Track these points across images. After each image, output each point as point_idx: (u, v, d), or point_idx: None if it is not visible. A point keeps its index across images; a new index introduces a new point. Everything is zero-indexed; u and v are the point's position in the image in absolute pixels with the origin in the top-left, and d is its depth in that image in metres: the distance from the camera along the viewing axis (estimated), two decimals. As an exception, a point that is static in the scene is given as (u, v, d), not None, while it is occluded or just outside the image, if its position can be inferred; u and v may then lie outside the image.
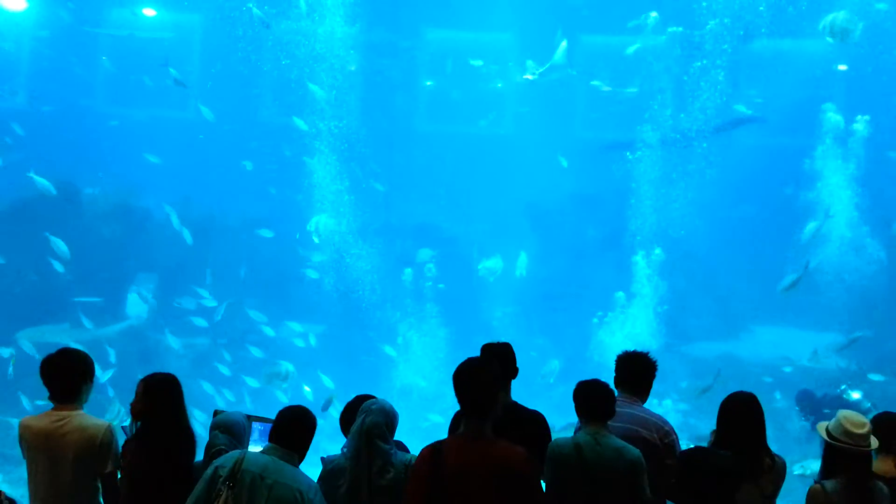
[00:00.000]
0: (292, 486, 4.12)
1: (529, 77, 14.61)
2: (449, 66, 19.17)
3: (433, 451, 4.13)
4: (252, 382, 15.22)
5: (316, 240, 12.44)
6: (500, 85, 19.87)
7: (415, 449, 4.96)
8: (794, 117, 18.35)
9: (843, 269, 16.82)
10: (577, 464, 4.55)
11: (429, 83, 19.02)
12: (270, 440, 4.34)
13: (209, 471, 4.20)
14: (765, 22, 17.32)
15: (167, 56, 14.25)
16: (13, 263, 15.56)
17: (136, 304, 17.63)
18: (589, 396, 4.73)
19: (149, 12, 22.12)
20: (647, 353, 5.28)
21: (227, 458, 4.23)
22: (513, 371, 4.94)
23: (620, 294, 16.76)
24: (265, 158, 19.23)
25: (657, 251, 17.68)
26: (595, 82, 18.35)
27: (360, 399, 4.88)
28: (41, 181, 14.35)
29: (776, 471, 4.63)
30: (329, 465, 4.59)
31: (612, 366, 5.32)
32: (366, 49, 18.49)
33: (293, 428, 4.32)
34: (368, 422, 4.46)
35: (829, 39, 12.29)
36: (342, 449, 4.62)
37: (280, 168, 19.39)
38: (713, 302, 17.80)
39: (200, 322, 16.12)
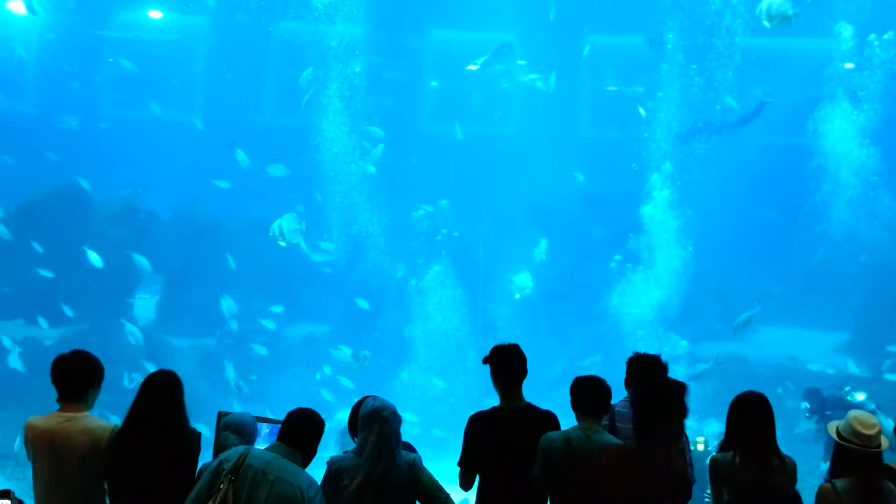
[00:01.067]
0: (293, 483, 4.15)
1: (473, 67, 14.51)
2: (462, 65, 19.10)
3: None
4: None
5: (282, 243, 12.51)
6: (505, 85, 19.86)
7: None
8: (799, 116, 18.30)
9: (850, 269, 16.82)
10: (565, 457, 4.60)
11: (434, 83, 19.03)
12: (278, 439, 4.38)
13: (213, 463, 4.24)
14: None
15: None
16: (22, 264, 15.63)
17: (144, 305, 17.73)
18: (584, 392, 4.82)
19: (155, 14, 22.20)
20: (659, 356, 5.33)
21: (232, 453, 4.26)
22: (523, 372, 4.98)
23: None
24: (271, 160, 19.26)
25: (664, 250, 17.68)
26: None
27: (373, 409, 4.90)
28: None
29: (786, 471, 4.58)
30: (334, 465, 4.61)
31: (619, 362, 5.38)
32: (371, 50, 18.52)
33: (300, 428, 4.37)
34: (387, 430, 4.50)
35: (766, 24, 11.56)
36: (351, 451, 4.63)
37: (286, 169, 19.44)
38: (719, 301, 17.74)
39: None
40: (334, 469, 4.57)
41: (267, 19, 20.46)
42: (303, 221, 12.56)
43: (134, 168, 18.69)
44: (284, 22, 20.72)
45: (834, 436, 4.46)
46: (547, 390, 7.62)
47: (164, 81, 21.13)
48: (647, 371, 5.23)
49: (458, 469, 5.00)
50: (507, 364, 4.97)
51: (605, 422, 5.12)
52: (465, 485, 4.99)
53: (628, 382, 5.34)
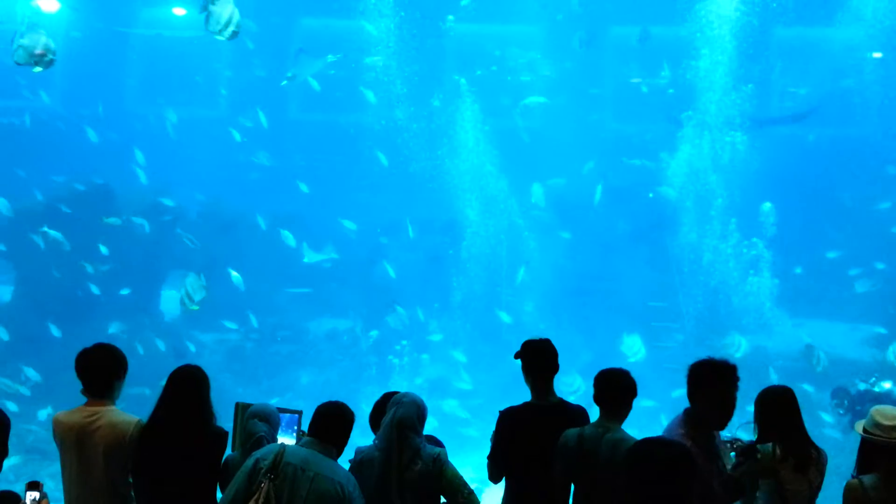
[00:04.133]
0: (333, 479, 4.17)
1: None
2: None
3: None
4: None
5: (194, 308, 12.71)
6: (527, 78, 19.76)
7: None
8: (827, 107, 18.07)
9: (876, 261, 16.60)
10: (578, 455, 4.61)
11: (456, 77, 18.95)
12: (309, 434, 4.39)
13: (249, 462, 4.24)
14: (795, 9, 17.07)
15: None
16: (49, 263, 15.84)
17: (169, 301, 17.89)
18: (606, 385, 4.76)
19: (179, 11, 22.33)
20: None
21: (268, 451, 4.27)
22: (554, 367, 4.97)
23: None
24: (294, 156, 19.35)
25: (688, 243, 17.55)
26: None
27: (389, 396, 4.92)
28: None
29: (821, 462, 4.68)
30: (359, 455, 4.64)
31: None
32: (392, 44, 18.50)
33: (332, 422, 4.38)
34: (400, 413, 4.53)
35: None
36: (374, 441, 4.64)
37: (309, 165, 19.52)
38: (741, 294, 17.55)
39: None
40: (359, 460, 4.60)
41: (290, 15, 20.54)
42: (202, 278, 12.44)
43: (159, 165, 18.84)
44: (308, 17, 20.79)
45: (860, 431, 4.47)
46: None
47: (188, 78, 21.27)
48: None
49: (488, 462, 5.01)
50: (538, 359, 4.96)
51: None
52: (495, 478, 5.00)
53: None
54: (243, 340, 17.08)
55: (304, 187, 17.70)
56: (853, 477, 4.42)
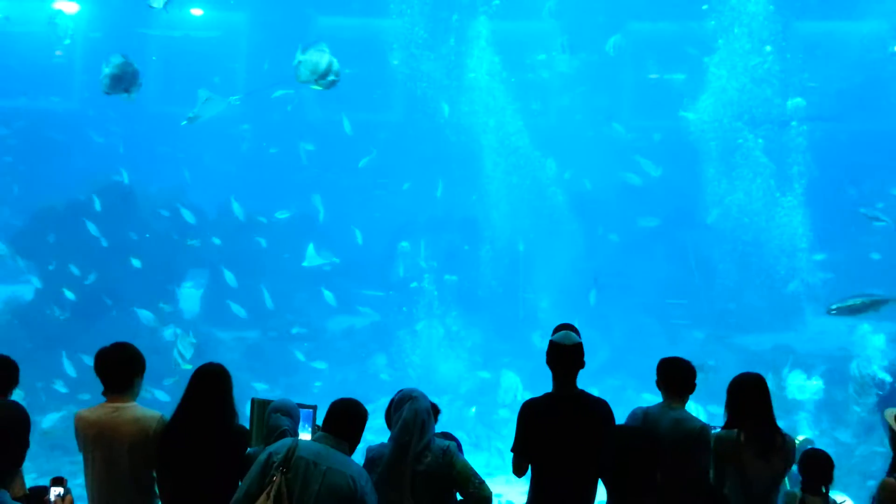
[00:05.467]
0: (345, 473, 4.18)
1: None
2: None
3: None
4: None
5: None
6: (545, 75, 19.70)
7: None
8: (847, 103, 17.88)
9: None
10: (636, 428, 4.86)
11: (472, 75, 18.93)
12: (323, 429, 4.40)
13: (262, 456, 4.27)
14: (815, 2, 16.92)
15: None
16: (70, 261, 15.99)
17: (189, 299, 18.03)
18: (667, 371, 5.09)
19: (196, 12, 22.48)
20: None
21: (281, 445, 4.29)
22: (580, 360, 4.99)
23: None
24: (310, 156, 19.41)
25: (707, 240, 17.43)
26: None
27: (405, 393, 4.94)
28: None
29: (786, 449, 4.86)
30: (371, 453, 4.66)
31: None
32: (408, 42, 18.52)
33: (345, 417, 4.39)
34: (417, 407, 4.57)
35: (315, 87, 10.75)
36: (389, 440, 4.66)
37: (326, 165, 19.59)
38: (767, 291, 17.43)
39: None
40: (370, 457, 4.63)
41: (307, 14, 20.60)
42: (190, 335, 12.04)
43: (177, 163, 18.97)
44: (325, 17, 20.84)
45: (892, 423, 4.50)
46: (590, 381, 7.57)
47: (207, 78, 21.39)
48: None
49: (512, 455, 5.03)
50: (562, 352, 4.97)
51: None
52: (519, 470, 5.00)
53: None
54: (262, 338, 17.17)
55: (319, 204, 17.69)
56: (888, 476, 4.45)
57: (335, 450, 4.26)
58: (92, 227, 15.64)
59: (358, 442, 4.45)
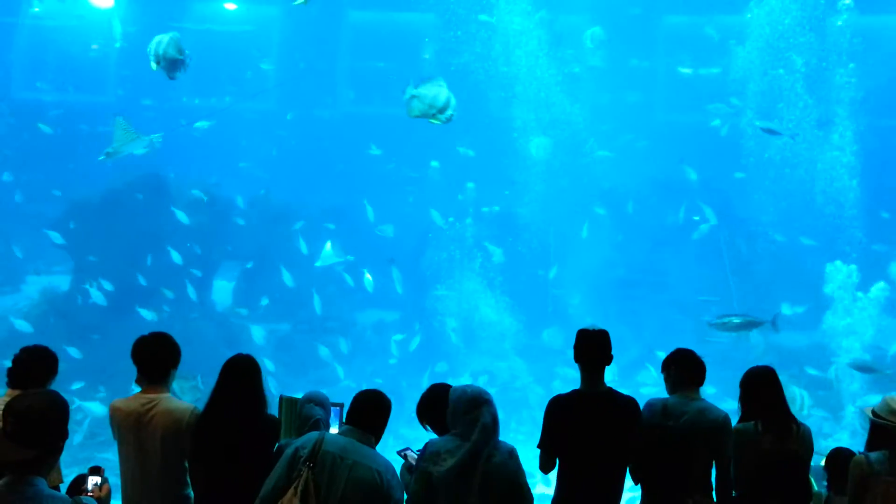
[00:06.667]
0: (371, 467, 4.19)
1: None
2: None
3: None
4: None
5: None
6: (576, 70, 19.56)
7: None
8: (888, 97, 17.53)
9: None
10: (661, 421, 4.95)
11: (504, 69, 18.85)
12: (347, 422, 4.41)
13: (289, 451, 4.29)
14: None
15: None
16: (105, 252, 16.21)
17: (222, 291, 18.20)
18: (680, 364, 5.17)
19: (230, 6, 22.68)
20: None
21: (307, 440, 4.31)
22: (607, 357, 4.97)
23: None
24: (344, 149, 19.48)
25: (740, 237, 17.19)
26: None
27: (436, 388, 4.92)
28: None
29: (802, 436, 4.98)
30: (433, 447, 4.49)
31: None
32: (440, 36, 18.50)
33: (369, 411, 4.40)
34: (494, 412, 4.48)
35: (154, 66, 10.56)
36: (451, 434, 4.52)
37: (359, 158, 19.63)
38: (801, 289, 17.16)
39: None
40: (433, 451, 4.45)
41: (340, 8, 20.66)
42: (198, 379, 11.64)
43: (211, 157, 19.14)
44: (357, 11, 20.90)
45: (870, 415, 4.66)
46: (620, 378, 7.52)
47: (239, 72, 21.58)
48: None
49: (539, 451, 4.99)
50: (589, 348, 4.96)
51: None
52: (545, 468, 4.97)
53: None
54: (293, 332, 17.27)
55: (389, 231, 17.65)
56: (860, 454, 4.62)
57: (360, 443, 4.27)
58: (126, 219, 15.79)
59: (382, 433, 4.44)
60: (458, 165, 18.37)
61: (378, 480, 4.17)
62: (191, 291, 16.09)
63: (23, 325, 14.78)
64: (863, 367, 13.65)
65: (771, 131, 15.46)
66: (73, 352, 13.66)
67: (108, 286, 15.67)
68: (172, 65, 10.55)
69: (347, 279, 16.80)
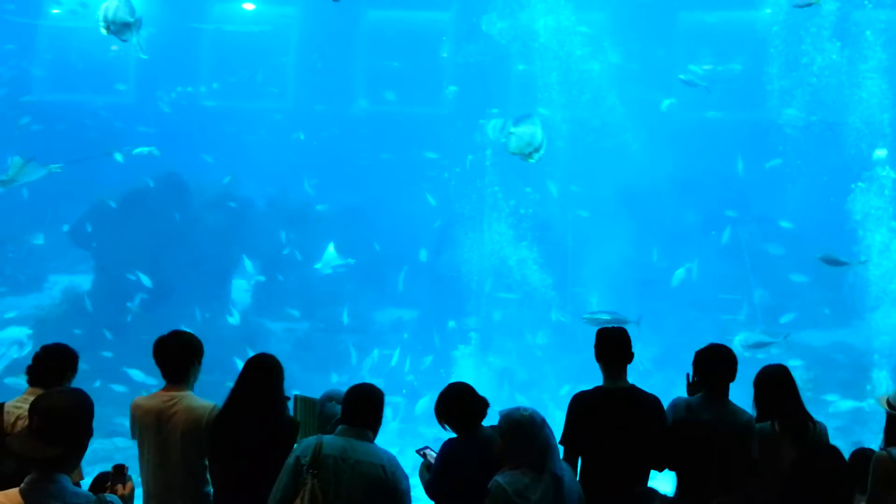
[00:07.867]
0: (374, 463, 4.22)
1: None
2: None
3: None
4: None
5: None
6: (595, 67, 19.46)
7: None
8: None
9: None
10: (687, 421, 4.86)
11: (521, 67, 18.80)
12: (341, 422, 4.41)
13: (290, 460, 4.29)
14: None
15: None
16: (126, 251, 16.34)
17: (241, 290, 18.30)
18: (707, 361, 5.00)
19: (248, 7, 22.78)
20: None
21: (306, 447, 4.30)
22: (628, 353, 4.98)
23: None
24: (361, 149, 19.51)
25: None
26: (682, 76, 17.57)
27: (455, 387, 4.91)
28: None
29: (818, 433, 4.93)
30: (508, 486, 4.26)
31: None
32: (456, 34, 18.49)
33: (362, 405, 4.41)
34: (552, 432, 4.43)
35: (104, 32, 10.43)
36: (522, 469, 4.35)
37: (376, 158, 19.67)
38: (825, 287, 17.00)
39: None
40: (514, 490, 4.20)
41: (358, 8, 20.68)
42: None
43: (229, 157, 19.24)
44: (375, 10, 20.91)
45: (885, 406, 4.58)
46: (640, 377, 7.46)
47: (257, 72, 21.67)
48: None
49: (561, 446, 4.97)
50: (609, 346, 4.96)
51: None
52: (568, 463, 4.93)
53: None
54: (311, 330, 17.33)
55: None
56: (881, 449, 4.47)
57: (359, 440, 4.28)
58: (144, 219, 15.91)
59: (379, 425, 4.44)
60: (472, 164, 18.34)
61: (383, 475, 4.19)
62: (211, 291, 16.19)
63: (42, 325, 14.93)
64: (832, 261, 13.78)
65: (690, 83, 16.10)
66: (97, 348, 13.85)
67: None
68: (124, 28, 10.43)
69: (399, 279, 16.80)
